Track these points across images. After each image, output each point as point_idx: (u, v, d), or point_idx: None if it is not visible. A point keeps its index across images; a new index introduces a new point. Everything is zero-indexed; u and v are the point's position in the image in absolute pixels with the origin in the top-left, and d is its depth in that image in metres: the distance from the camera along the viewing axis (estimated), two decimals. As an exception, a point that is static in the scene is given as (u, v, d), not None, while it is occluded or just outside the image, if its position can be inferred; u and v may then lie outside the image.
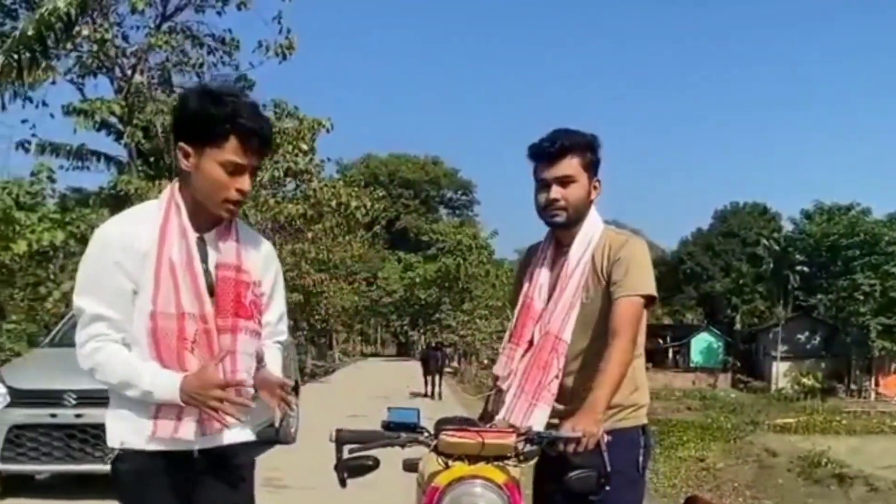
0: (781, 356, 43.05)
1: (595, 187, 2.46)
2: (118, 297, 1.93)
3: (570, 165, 2.38)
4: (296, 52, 13.34)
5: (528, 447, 2.06)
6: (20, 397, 5.83)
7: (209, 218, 2.01)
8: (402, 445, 2.03)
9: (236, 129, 1.91)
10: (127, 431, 1.97)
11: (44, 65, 10.35)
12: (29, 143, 12.70)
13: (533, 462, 2.29)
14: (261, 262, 2.11)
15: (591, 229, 2.44)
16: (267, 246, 2.17)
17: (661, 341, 49.97)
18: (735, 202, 68.38)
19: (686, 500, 3.62)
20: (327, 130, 16.06)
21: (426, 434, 2.05)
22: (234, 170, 1.94)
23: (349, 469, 2.01)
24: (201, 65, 14.85)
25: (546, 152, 2.39)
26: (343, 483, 2.01)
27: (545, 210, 2.42)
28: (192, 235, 1.98)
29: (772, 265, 48.26)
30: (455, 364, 31.00)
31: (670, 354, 50.73)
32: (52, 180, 11.55)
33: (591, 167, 2.44)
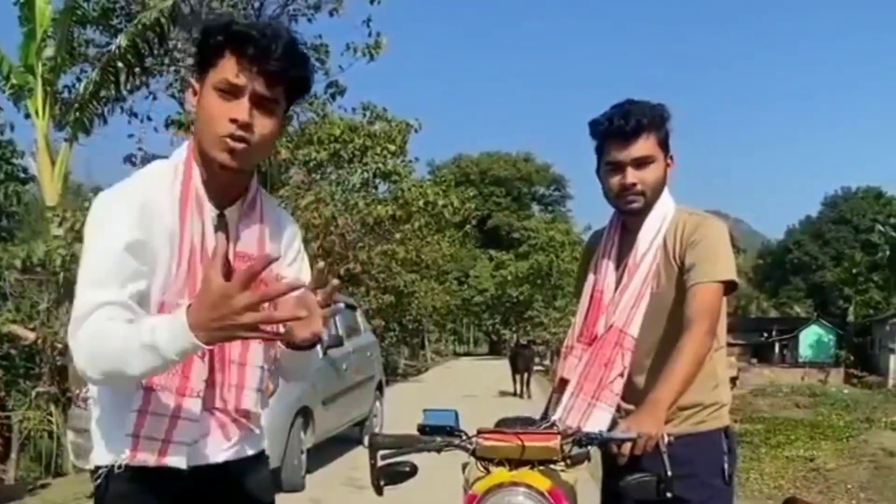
0: (900, 349, 40.43)
1: (669, 164, 2.22)
2: (138, 285, 1.49)
3: (648, 145, 2.14)
4: (384, 51, 13.44)
5: (577, 450, 1.88)
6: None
7: (226, 185, 1.61)
8: (438, 450, 1.89)
9: (229, 39, 1.52)
10: (116, 446, 1.56)
11: (139, 72, 10.81)
12: (135, 157, 13.39)
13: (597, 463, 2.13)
14: (284, 247, 1.72)
15: (663, 210, 2.20)
16: (290, 227, 1.78)
17: (766, 335, 47.93)
18: (847, 187, 65.55)
19: (784, 501, 3.40)
20: (416, 130, 16.21)
21: (464, 437, 1.91)
22: (229, 92, 1.52)
23: (386, 476, 1.88)
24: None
25: (620, 130, 2.13)
26: (379, 491, 1.89)
27: (619, 196, 2.18)
28: (209, 210, 1.59)
29: (888, 252, 45.38)
30: (547, 362, 30.61)
31: (777, 349, 48.47)
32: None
33: (666, 143, 2.20)
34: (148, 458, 1.54)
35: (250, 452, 1.73)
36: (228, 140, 1.53)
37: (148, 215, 1.52)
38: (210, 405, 1.62)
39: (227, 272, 1.51)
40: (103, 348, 1.41)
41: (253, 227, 1.66)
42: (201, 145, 1.58)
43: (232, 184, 1.63)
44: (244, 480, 1.72)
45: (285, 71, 1.54)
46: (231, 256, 1.61)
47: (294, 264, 1.76)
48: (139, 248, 1.50)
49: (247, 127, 1.53)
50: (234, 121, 1.52)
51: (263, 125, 1.55)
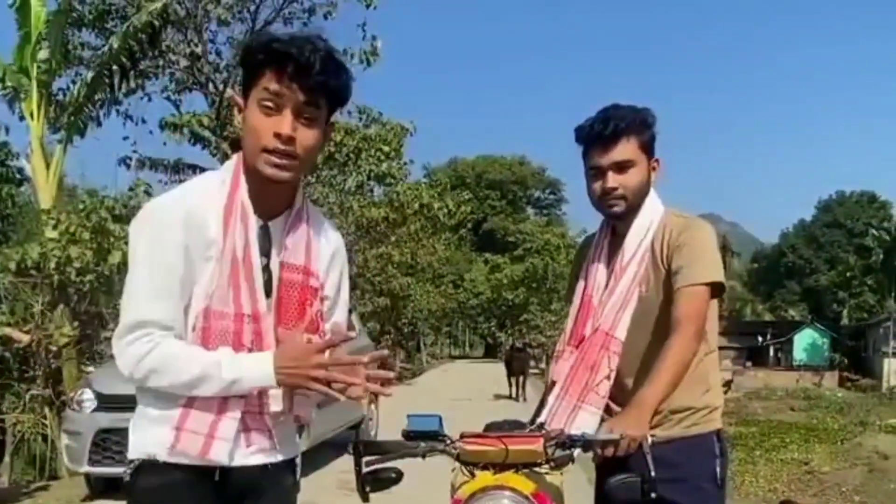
0: (893, 352, 40.45)
1: (654, 168, 2.24)
2: (175, 292, 1.61)
3: (627, 149, 2.15)
4: (380, 58, 13.43)
5: (560, 452, 1.89)
6: (106, 402, 6.05)
7: (272, 197, 1.69)
8: (423, 455, 1.90)
9: (270, 56, 1.60)
10: (153, 440, 1.66)
11: (133, 74, 10.78)
12: (130, 159, 13.38)
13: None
14: (327, 262, 1.79)
15: (650, 214, 2.22)
16: (336, 239, 1.84)
17: (760, 338, 47.98)
18: (841, 191, 65.90)
19: (779, 504, 3.41)
20: (410, 134, 16.23)
21: (448, 442, 1.91)
22: (272, 106, 1.60)
23: (371, 482, 1.88)
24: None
25: (599, 136, 2.16)
26: (366, 498, 1.89)
27: (601, 200, 2.20)
28: (254, 221, 1.67)
29: (881, 256, 45.49)
30: (542, 365, 30.62)
31: (771, 352, 48.52)
32: (148, 194, 12.05)
33: (649, 146, 2.21)
34: (190, 451, 1.61)
35: (279, 458, 1.75)
36: (274, 156, 1.61)
37: (191, 226, 1.61)
38: (247, 407, 1.67)
39: (268, 279, 1.68)
40: (174, 368, 1.59)
41: (300, 238, 1.74)
42: (247, 159, 1.66)
43: (278, 195, 1.70)
44: (268, 486, 1.74)
45: (324, 84, 1.62)
46: (277, 266, 1.70)
47: (340, 287, 1.83)
48: (183, 260, 1.61)
49: (290, 140, 1.61)
50: (277, 135, 1.60)
51: (306, 136, 1.63)
